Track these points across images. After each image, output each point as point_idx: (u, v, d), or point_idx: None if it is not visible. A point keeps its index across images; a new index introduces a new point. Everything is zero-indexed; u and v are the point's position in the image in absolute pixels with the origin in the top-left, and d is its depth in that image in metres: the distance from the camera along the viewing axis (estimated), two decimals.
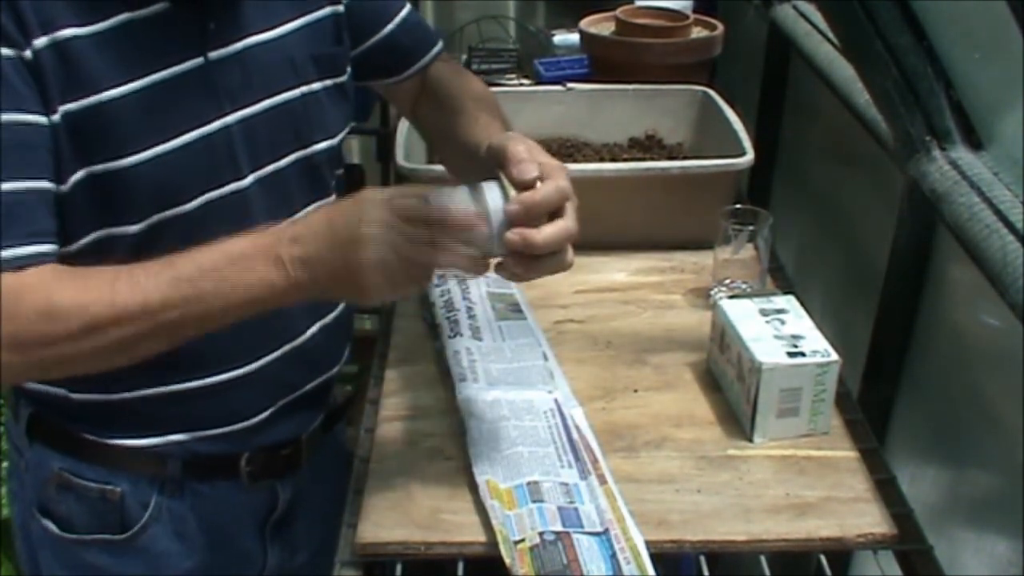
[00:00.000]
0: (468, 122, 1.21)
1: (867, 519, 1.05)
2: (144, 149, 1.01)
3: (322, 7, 1.16)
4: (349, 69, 1.21)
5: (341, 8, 1.18)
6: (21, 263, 0.92)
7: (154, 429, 1.15)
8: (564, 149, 1.81)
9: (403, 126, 1.61)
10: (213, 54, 1.05)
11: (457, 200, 0.95)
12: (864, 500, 1.08)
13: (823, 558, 1.04)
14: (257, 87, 1.09)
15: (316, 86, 1.14)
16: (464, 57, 2.23)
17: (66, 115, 0.97)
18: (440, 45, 1.32)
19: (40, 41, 0.95)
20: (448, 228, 0.92)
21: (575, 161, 1.76)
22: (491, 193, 0.95)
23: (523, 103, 1.84)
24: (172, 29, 1.03)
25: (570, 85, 1.92)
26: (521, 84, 2.10)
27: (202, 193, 1.06)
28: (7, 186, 0.92)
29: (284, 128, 1.11)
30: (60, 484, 1.17)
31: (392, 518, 1.05)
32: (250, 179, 1.09)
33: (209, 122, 1.05)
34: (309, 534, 1.30)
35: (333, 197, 1.20)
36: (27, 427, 1.19)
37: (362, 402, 1.28)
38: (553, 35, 2.29)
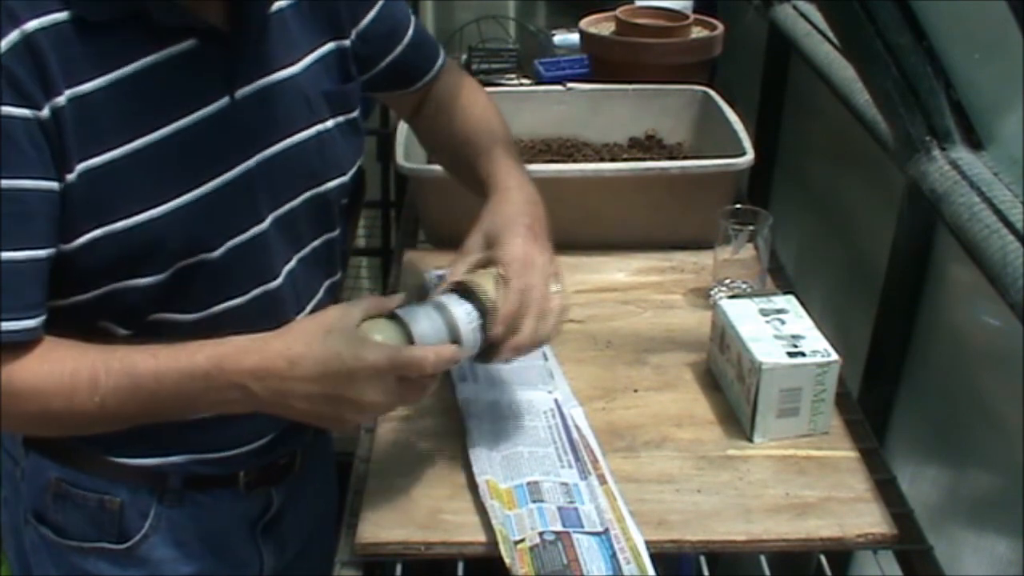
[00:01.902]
0: (469, 147, 1.23)
1: (867, 519, 1.05)
2: (169, 199, 0.98)
3: (326, 42, 1.13)
4: (359, 104, 1.19)
5: (347, 43, 1.15)
6: (16, 337, 0.92)
7: (153, 451, 1.13)
8: (564, 149, 1.81)
9: (403, 127, 1.61)
10: (239, 93, 1.02)
11: (423, 330, 0.99)
12: (864, 500, 1.08)
13: (823, 558, 1.04)
14: (278, 127, 1.07)
15: (329, 124, 1.12)
16: (464, 57, 2.23)
17: (85, 172, 0.94)
18: (443, 57, 1.31)
19: (61, 98, 0.92)
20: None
21: (575, 161, 1.76)
22: (460, 312, 1.01)
23: (523, 103, 1.84)
24: (199, 68, 0.99)
25: (570, 85, 1.92)
26: (521, 84, 2.10)
27: (228, 239, 1.03)
28: (6, 255, 0.90)
29: (300, 168, 1.09)
30: (58, 493, 1.15)
31: (392, 518, 1.05)
32: (268, 221, 1.07)
33: (234, 167, 1.02)
34: (297, 529, 1.30)
35: (337, 232, 1.19)
36: (24, 437, 1.17)
37: None
38: (553, 35, 2.29)
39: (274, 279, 1.09)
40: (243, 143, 1.04)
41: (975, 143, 1.20)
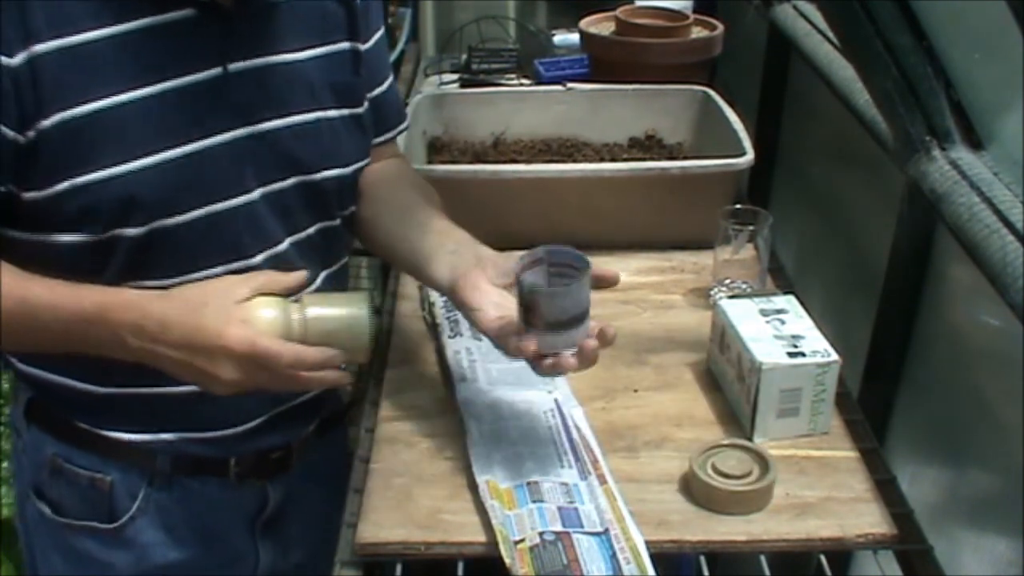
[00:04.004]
0: (418, 226, 1.18)
1: (867, 519, 1.05)
2: (145, 155, 1.01)
3: (342, 41, 1.16)
4: (367, 103, 1.21)
5: (361, 46, 1.18)
6: None
7: (144, 426, 1.16)
8: (564, 149, 1.81)
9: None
10: (233, 66, 1.06)
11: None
12: (864, 500, 1.08)
13: (823, 558, 1.04)
14: (272, 106, 1.09)
15: (333, 114, 1.15)
16: (464, 57, 2.23)
17: (65, 122, 0.97)
18: (405, 125, 1.33)
19: (43, 46, 0.95)
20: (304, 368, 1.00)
21: (575, 161, 1.76)
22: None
23: (523, 103, 1.84)
24: (195, 36, 1.03)
25: (570, 85, 1.92)
26: (521, 84, 2.10)
27: (205, 204, 1.06)
28: None
29: (294, 150, 1.11)
30: (53, 469, 1.19)
31: (392, 518, 1.05)
32: (256, 194, 1.10)
33: (218, 134, 1.05)
34: (304, 534, 1.31)
35: (338, 222, 1.20)
36: (25, 410, 1.21)
37: (362, 402, 1.28)
38: (553, 35, 2.29)
39: (252, 256, 1.10)
40: (231, 114, 1.06)
41: (975, 143, 1.20)
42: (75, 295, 1.01)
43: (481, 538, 1.02)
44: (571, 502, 1.04)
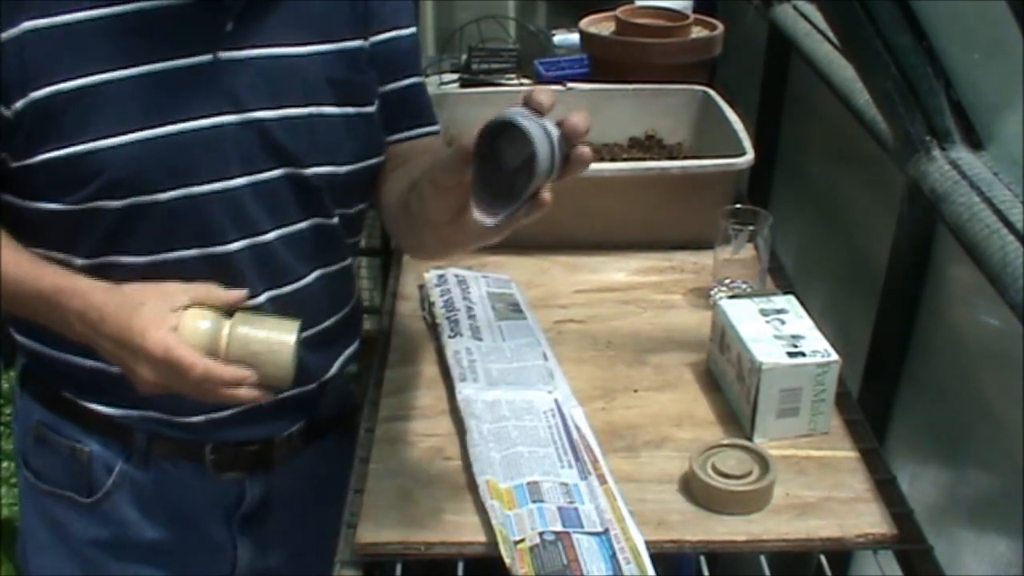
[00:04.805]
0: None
1: (867, 519, 1.05)
2: (125, 133, 1.04)
3: (346, 39, 1.16)
4: (377, 102, 1.19)
5: (366, 43, 1.18)
6: None
7: (122, 400, 1.18)
8: None
9: None
10: (224, 54, 1.07)
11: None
12: (864, 500, 1.08)
13: (823, 558, 1.04)
14: (262, 95, 1.10)
15: (330, 110, 1.14)
16: (464, 57, 2.23)
17: (48, 96, 1.01)
18: (436, 128, 1.27)
19: (30, 23, 1.00)
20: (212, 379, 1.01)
21: None
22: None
23: None
24: (189, 23, 1.05)
25: (570, 85, 1.92)
26: (521, 84, 2.10)
27: (182, 186, 1.07)
28: None
29: (283, 142, 1.11)
30: (38, 436, 1.23)
31: (392, 518, 1.05)
32: (242, 181, 1.10)
33: (202, 119, 1.07)
34: (287, 535, 1.31)
35: (336, 220, 1.20)
36: (19, 376, 1.26)
37: (362, 402, 1.28)
38: (553, 35, 2.29)
39: (231, 242, 1.11)
40: (219, 101, 1.07)
41: (975, 143, 1.20)
42: (37, 273, 1.06)
43: (481, 538, 1.02)
44: (571, 502, 1.04)
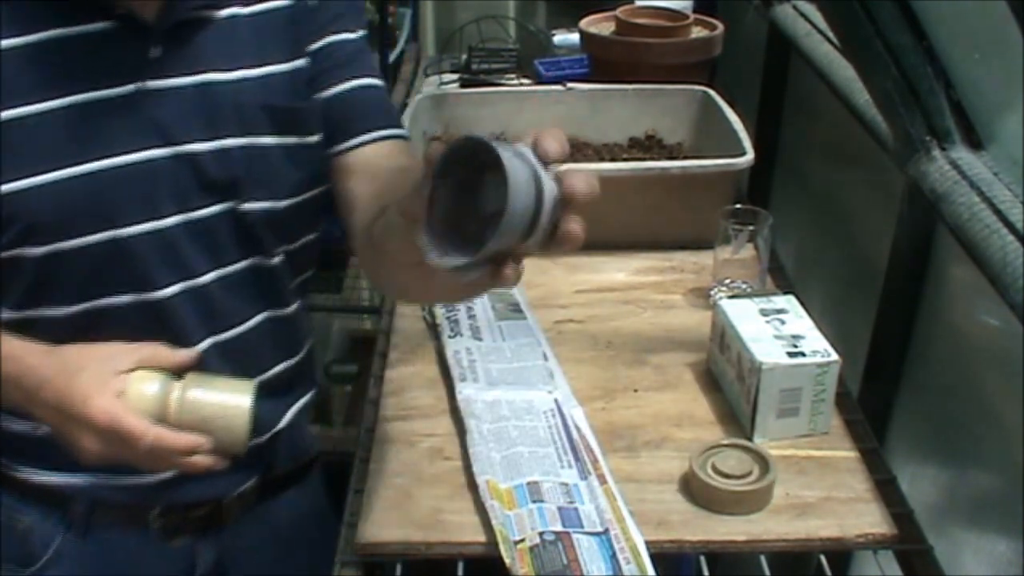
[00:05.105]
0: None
1: (867, 519, 1.05)
2: (46, 172, 0.96)
3: (283, 61, 1.05)
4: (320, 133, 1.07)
5: (305, 63, 1.07)
6: None
7: (58, 466, 1.09)
8: None
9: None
10: (151, 83, 0.98)
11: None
12: (864, 500, 1.08)
13: (823, 558, 1.04)
14: (193, 127, 1.01)
15: (267, 141, 1.04)
16: (464, 57, 2.23)
17: None
18: (398, 131, 1.11)
19: None
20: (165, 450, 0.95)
21: (575, 161, 1.76)
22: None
23: (523, 103, 1.84)
24: (110, 50, 0.97)
25: (570, 85, 1.92)
26: (521, 84, 2.10)
27: (110, 228, 0.99)
28: None
29: (217, 175, 1.02)
30: None
31: (392, 518, 1.05)
32: (175, 219, 1.02)
33: (128, 153, 0.98)
34: None
35: (275, 261, 1.09)
36: None
37: (362, 402, 1.28)
38: (553, 35, 2.29)
39: (164, 287, 1.03)
40: (146, 134, 0.99)
41: (975, 143, 1.19)
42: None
43: (481, 538, 1.02)
44: (571, 502, 1.04)
